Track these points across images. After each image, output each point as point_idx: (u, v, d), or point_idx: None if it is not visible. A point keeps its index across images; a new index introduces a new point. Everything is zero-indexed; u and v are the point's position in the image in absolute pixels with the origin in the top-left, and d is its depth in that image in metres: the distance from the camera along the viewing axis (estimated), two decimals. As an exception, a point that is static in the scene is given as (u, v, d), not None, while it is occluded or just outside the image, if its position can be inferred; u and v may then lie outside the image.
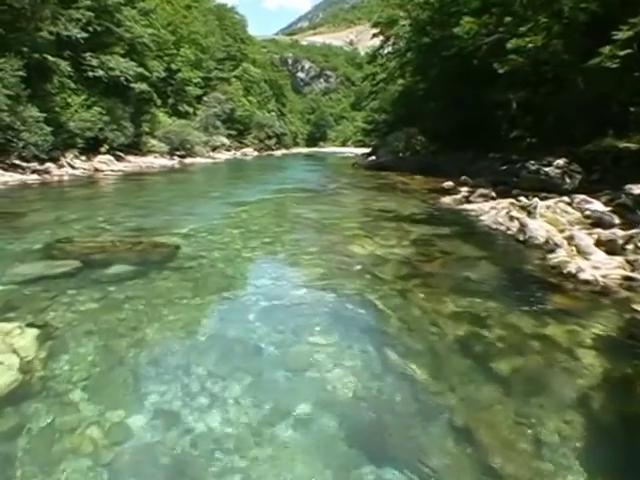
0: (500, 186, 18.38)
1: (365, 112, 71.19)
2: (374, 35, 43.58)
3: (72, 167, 28.22)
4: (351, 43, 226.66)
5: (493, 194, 14.79)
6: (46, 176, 24.33)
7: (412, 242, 9.29)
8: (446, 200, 14.58)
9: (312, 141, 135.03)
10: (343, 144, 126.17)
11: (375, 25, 42.98)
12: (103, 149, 32.30)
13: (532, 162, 16.80)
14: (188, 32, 55.59)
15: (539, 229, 9.15)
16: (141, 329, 5.22)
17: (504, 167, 24.45)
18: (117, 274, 6.90)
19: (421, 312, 5.87)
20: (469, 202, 14.32)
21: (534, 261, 8.19)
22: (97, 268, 7.10)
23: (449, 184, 20.33)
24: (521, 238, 9.39)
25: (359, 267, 7.64)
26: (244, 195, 17.90)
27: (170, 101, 51.48)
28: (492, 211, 11.89)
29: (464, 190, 18.12)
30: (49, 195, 17.81)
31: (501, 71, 21.43)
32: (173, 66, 50.35)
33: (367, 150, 56.91)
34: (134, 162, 35.50)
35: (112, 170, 29.88)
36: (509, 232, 10.15)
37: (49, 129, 25.45)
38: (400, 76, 41.22)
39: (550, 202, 10.76)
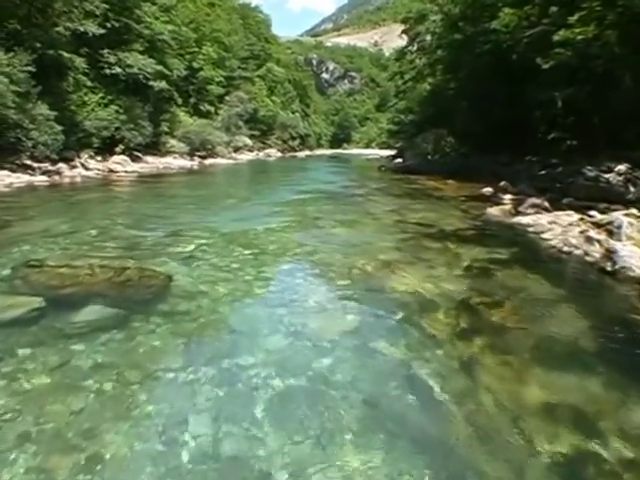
0: (547, 194, 16.59)
1: (390, 113, 69.55)
2: (403, 31, 41.81)
3: (85, 168, 26.90)
4: (376, 44, 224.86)
5: (546, 204, 12.91)
6: (56, 177, 22.95)
7: (465, 272, 7.49)
8: (493, 211, 12.67)
9: (336, 142, 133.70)
10: (367, 146, 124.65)
11: (404, 21, 41.27)
12: (118, 149, 30.98)
13: (589, 167, 14.78)
14: (211, 30, 54.36)
15: (633, 256, 7.29)
16: (100, 435, 3.45)
17: (543, 171, 22.76)
18: (87, 323, 5.18)
19: (496, 406, 3.95)
20: (520, 214, 12.46)
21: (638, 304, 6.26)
22: (63, 311, 5.38)
23: (488, 190, 18.58)
24: (608, 268, 7.44)
25: (401, 315, 5.75)
26: (263, 202, 16.27)
27: (191, 100, 50.24)
28: (556, 227, 10.01)
29: (507, 198, 16.32)
30: (50, 199, 16.28)
31: (545, 66, 19.47)
32: (195, 64, 49.15)
33: (392, 152, 55.39)
34: (151, 163, 34.16)
35: (126, 171, 28.49)
36: (588, 258, 8.17)
37: (60, 128, 24.00)
38: (430, 74, 39.34)
39: (632, 219, 8.83)
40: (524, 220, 11.32)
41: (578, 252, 8.34)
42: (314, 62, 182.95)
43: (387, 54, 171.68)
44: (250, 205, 15.38)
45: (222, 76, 55.29)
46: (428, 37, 37.74)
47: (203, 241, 9.21)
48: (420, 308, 5.92)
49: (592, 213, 10.56)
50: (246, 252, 8.44)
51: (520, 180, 20.62)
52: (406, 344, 4.99)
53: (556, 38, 18.40)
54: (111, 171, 27.97)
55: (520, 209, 12.88)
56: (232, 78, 59.59)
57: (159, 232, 10.11)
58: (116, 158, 29.82)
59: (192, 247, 8.66)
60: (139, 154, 34.26)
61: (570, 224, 9.95)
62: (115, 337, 4.97)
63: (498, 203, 15.22)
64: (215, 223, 11.41)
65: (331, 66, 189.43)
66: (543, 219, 10.98)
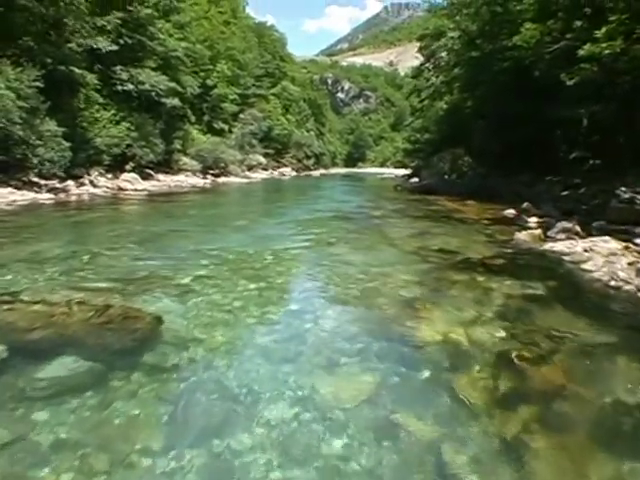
0: (573, 216, 15.61)
1: (406, 132, 69.12)
2: (419, 49, 41.20)
3: (94, 185, 26.38)
4: (391, 64, 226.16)
5: (577, 228, 11.93)
6: (62, 195, 22.36)
7: (499, 313, 6.41)
8: (522, 237, 11.64)
9: (351, 161, 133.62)
10: (382, 165, 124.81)
11: (421, 38, 40.68)
12: (128, 167, 30.45)
13: (623, 189, 13.79)
14: (225, 48, 54.19)
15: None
16: None
17: (565, 192, 21.87)
18: (55, 381, 4.20)
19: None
20: (551, 239, 11.50)
21: None
22: (28, 363, 4.44)
23: (511, 212, 17.68)
24: (673, 308, 6.40)
25: (428, 374, 4.67)
26: (274, 224, 15.43)
27: (205, 118, 49.93)
28: (596, 257, 9.00)
29: (533, 221, 15.39)
30: (51, 219, 15.57)
31: (570, 83, 18.62)
32: (209, 82, 48.90)
33: (407, 171, 54.84)
34: (163, 181, 33.61)
35: (136, 189, 27.88)
36: (644, 295, 7.12)
37: (67, 144, 23.45)
38: (447, 92, 38.61)
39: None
40: (557, 247, 10.32)
41: (629, 287, 7.21)
42: (329, 81, 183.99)
43: (402, 74, 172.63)
44: (260, 227, 14.50)
45: (236, 94, 55.01)
46: (445, 54, 37.10)
47: (204, 271, 8.29)
48: (450, 364, 4.88)
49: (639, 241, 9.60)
50: (251, 286, 7.49)
51: (542, 201, 19.74)
52: (435, 416, 3.94)
53: (581, 53, 17.58)
54: (120, 189, 27.40)
55: (550, 234, 11.92)
56: (246, 96, 59.32)
57: (157, 259, 9.22)
58: (126, 176, 29.29)
59: (191, 278, 7.76)
60: (151, 172, 33.82)
61: (612, 253, 8.97)
62: (87, 402, 4.00)
63: (524, 227, 14.28)
64: (221, 248, 10.52)
65: (346, 85, 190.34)
66: (578, 246, 9.99)
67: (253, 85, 62.50)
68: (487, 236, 12.84)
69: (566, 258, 9.50)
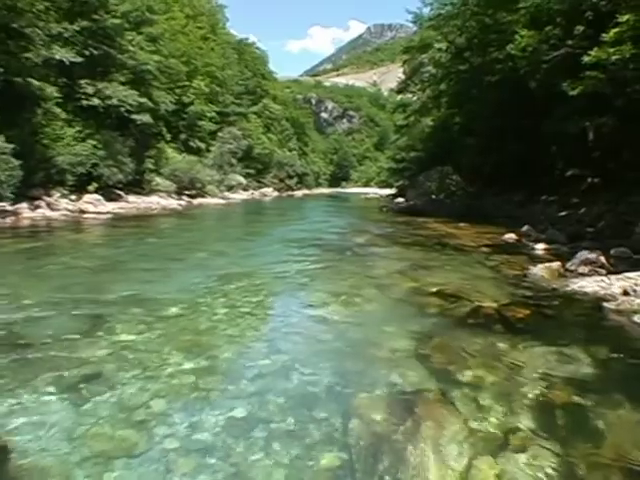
0: (583, 241, 13.64)
1: (390, 151, 67.86)
2: (404, 62, 39.59)
3: (51, 208, 23.94)
4: (374, 84, 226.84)
5: (602, 260, 9.84)
6: (9, 220, 19.89)
7: (541, 420, 4.05)
8: (539, 272, 9.37)
9: (335, 181, 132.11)
10: (366, 185, 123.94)
11: (406, 50, 39.04)
12: (91, 188, 28.01)
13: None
14: (203, 63, 52.15)
15: None
16: None
17: (563, 213, 20.15)
18: None
19: None
20: (572, 273, 9.41)
21: None
22: None
23: (511, 237, 15.77)
24: None
25: None
26: (238, 259, 12.67)
27: (182, 136, 47.67)
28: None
29: (540, 248, 13.42)
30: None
31: (573, 93, 16.76)
32: (185, 99, 46.70)
33: (392, 191, 53.31)
34: (132, 202, 31.24)
35: (99, 212, 25.42)
36: None
37: (17, 163, 20.99)
38: (435, 107, 36.98)
39: None
40: (587, 286, 8.12)
41: None
42: (313, 101, 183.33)
43: (385, 94, 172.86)
44: (223, 262, 11.95)
45: (215, 111, 52.87)
46: (431, 68, 35.49)
47: (126, 338, 5.90)
48: None
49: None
50: (185, 366, 5.14)
51: (540, 222, 17.95)
52: None
53: (586, 59, 15.74)
54: (82, 212, 25.03)
55: (570, 266, 9.82)
56: (226, 114, 57.25)
57: (68, 316, 6.75)
58: (88, 197, 26.87)
59: (103, 352, 5.40)
60: (121, 192, 31.45)
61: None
62: None
63: (531, 256, 12.23)
64: (164, 294, 8.13)
65: (330, 105, 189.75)
66: (615, 285, 7.87)
67: (233, 103, 60.36)
68: (493, 270, 10.52)
69: (608, 306, 7.21)
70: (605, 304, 7.29)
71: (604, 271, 9.39)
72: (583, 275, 9.28)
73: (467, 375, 4.97)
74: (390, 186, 63.07)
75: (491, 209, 25.20)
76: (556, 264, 9.77)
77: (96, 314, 6.93)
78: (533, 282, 9.06)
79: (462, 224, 20.78)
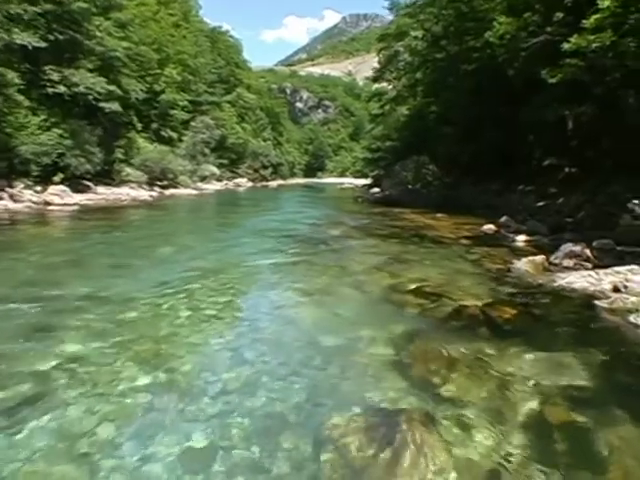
0: (566, 232, 13.30)
1: (366, 140, 67.33)
2: (380, 50, 38.96)
3: (14, 200, 22.94)
4: (350, 74, 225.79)
5: (587, 253, 9.43)
6: (-33, 213, 18.99)
7: (534, 428, 3.73)
8: (523, 266, 8.85)
9: (310, 171, 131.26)
10: (341, 175, 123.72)
11: (381, 39, 38.40)
12: (57, 178, 26.96)
13: (636, 201, 11.43)
14: (175, 51, 50.82)
15: None
16: None
17: (541, 203, 19.92)
18: None
19: None
20: (557, 268, 8.97)
21: None
22: None
23: (490, 228, 15.41)
24: None
25: None
26: (207, 252, 11.91)
27: (153, 126, 46.34)
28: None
29: (521, 240, 13.05)
30: None
31: (552, 81, 16.36)
32: (157, 87, 45.42)
33: (367, 181, 52.88)
34: (101, 194, 30.18)
35: (66, 204, 24.45)
36: None
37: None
38: (410, 96, 36.49)
39: None
40: (576, 282, 7.66)
41: None
42: (288, 91, 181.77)
43: (361, 84, 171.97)
44: (188, 259, 10.98)
45: (187, 100, 51.57)
46: (407, 56, 34.92)
47: (77, 347, 5.28)
48: None
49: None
50: (140, 381, 4.54)
51: (518, 213, 17.64)
52: None
53: (566, 46, 15.30)
54: (47, 203, 24.06)
55: (554, 260, 9.40)
56: (199, 103, 56.02)
57: (11, 321, 5.97)
58: (54, 189, 25.83)
59: (47, 365, 4.76)
60: (89, 183, 30.38)
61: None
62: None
63: (513, 248, 11.82)
64: (121, 298, 7.35)
65: (305, 95, 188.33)
66: (605, 281, 7.44)
67: (206, 92, 59.05)
68: (474, 264, 10.03)
69: (600, 304, 6.71)
70: (597, 302, 6.83)
71: (590, 264, 8.99)
72: (568, 269, 8.88)
73: (451, 390, 4.45)
74: (365, 176, 62.80)
75: (468, 199, 24.95)
76: (540, 257, 9.34)
77: (45, 318, 6.28)
78: (518, 277, 8.63)
79: (439, 215, 20.43)
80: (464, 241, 13.35)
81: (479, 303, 7.06)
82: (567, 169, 21.99)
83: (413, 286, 8.13)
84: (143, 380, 4.59)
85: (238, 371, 4.87)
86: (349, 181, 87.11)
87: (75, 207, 24.02)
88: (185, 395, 4.39)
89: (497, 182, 25.00)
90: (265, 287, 8.77)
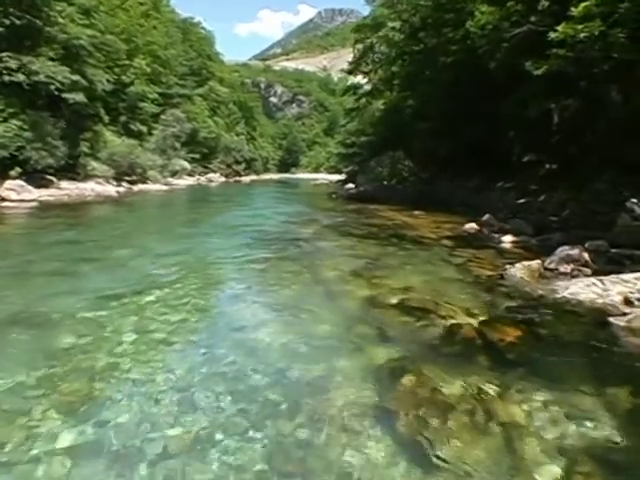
0: (551, 233, 12.51)
1: (340, 136, 66.54)
2: (356, 42, 38.00)
3: (-37, 196, 21.53)
4: (324, 69, 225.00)
5: (585, 256, 8.56)
6: None
7: None
8: (517, 273, 7.82)
9: (284, 167, 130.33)
10: (315, 170, 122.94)
11: (357, 29, 37.44)
12: (14, 172, 25.45)
13: (634, 200, 10.60)
14: (145, 42, 49.25)
15: None
16: None
17: (522, 200, 19.35)
18: None
19: None
20: (552, 273, 8.09)
21: None
22: None
23: (472, 227, 14.62)
24: None
25: None
26: (167, 256, 10.42)
27: (122, 119, 44.81)
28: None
29: (507, 241, 12.26)
30: None
31: (538, 72, 15.59)
32: (125, 78, 43.91)
33: (341, 177, 52.12)
34: (64, 189, 28.70)
35: (22, 200, 23.04)
36: None
37: None
38: (387, 89, 35.66)
39: None
40: (580, 293, 6.67)
41: None
42: (262, 85, 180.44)
43: (336, 79, 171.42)
44: (144, 265, 9.62)
45: (157, 93, 50.11)
46: (384, 47, 34.00)
47: None
48: None
49: None
50: (61, 441, 3.47)
51: (499, 210, 16.97)
52: None
53: (553, 36, 14.49)
54: (2, 199, 22.62)
55: (549, 264, 8.49)
56: (169, 96, 54.51)
57: None
58: (10, 183, 24.37)
59: None
60: (53, 178, 28.91)
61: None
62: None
63: (502, 252, 10.97)
64: (56, 316, 6.17)
65: (279, 90, 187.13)
66: (611, 292, 6.55)
67: (176, 84, 57.49)
68: (461, 269, 9.02)
69: (616, 322, 5.68)
70: (611, 319, 5.84)
71: (589, 270, 8.13)
72: (565, 275, 8.01)
73: (447, 451, 3.42)
74: (339, 172, 62.09)
75: (445, 195, 24.38)
76: (535, 263, 8.40)
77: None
78: (513, 286, 7.60)
79: (417, 212, 19.63)
80: (446, 242, 12.42)
81: (474, 321, 6.03)
82: (548, 165, 21.43)
83: (395, 299, 7.05)
84: (65, 438, 3.53)
85: (187, 424, 3.81)
86: (323, 177, 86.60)
87: (33, 203, 22.62)
88: (115, 461, 3.33)
89: (475, 178, 24.40)
90: (226, 301, 7.59)
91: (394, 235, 13.92)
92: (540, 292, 7.16)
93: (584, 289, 6.80)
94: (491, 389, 4.31)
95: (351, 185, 41.25)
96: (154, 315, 6.36)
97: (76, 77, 30.66)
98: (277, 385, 4.53)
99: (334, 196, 34.43)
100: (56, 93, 29.41)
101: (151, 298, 7.12)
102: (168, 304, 6.87)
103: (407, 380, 4.51)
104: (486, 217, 15.40)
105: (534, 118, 18.92)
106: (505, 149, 23.64)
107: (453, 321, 6.06)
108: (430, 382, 4.47)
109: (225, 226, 16.59)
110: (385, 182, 32.27)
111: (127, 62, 44.65)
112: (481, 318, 6.17)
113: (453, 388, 4.33)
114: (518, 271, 8.02)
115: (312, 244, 12.75)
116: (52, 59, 29.52)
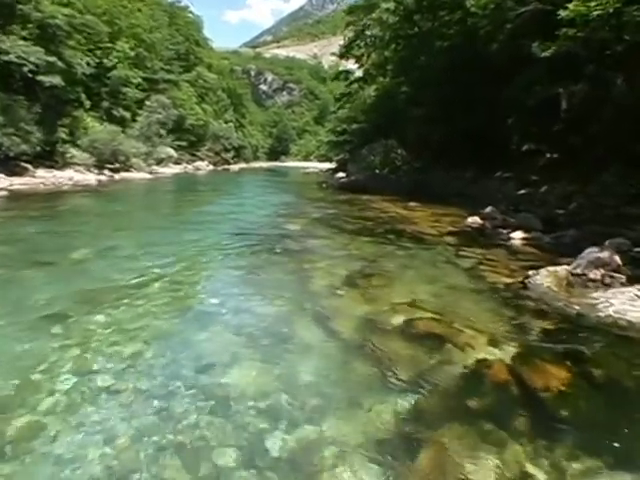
0: (565, 229, 11.36)
1: (331, 123, 65.21)
2: (347, 24, 36.64)
3: None
4: (315, 57, 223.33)
5: (617, 260, 7.32)
6: None
7: None
8: (544, 282, 6.30)
9: (274, 155, 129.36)
10: (305, 158, 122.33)
11: (350, 11, 36.14)
12: (-17, 160, 24.06)
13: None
14: (128, 24, 47.53)
15: None
16: None
17: (522, 191, 18.60)
18: None
19: None
20: (581, 279, 6.84)
21: None
22: None
23: (475, 221, 13.43)
24: None
25: None
26: (132, 259, 8.93)
27: (104, 104, 43.18)
28: None
29: (517, 237, 11.12)
30: None
31: (546, 54, 14.48)
32: (107, 62, 42.27)
33: (332, 165, 51.00)
34: (39, 177, 27.24)
35: (-8, 188, 21.63)
36: None
37: None
38: (379, 75, 34.48)
39: None
40: (628, 312, 5.38)
41: None
42: (252, 73, 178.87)
43: (326, 67, 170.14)
44: (103, 270, 8.16)
45: (141, 77, 48.45)
46: (377, 30, 32.65)
47: None
48: None
49: None
50: None
51: (499, 202, 15.95)
52: None
53: (563, 14, 13.28)
54: (-29, 188, 21.22)
55: (576, 270, 7.22)
56: (154, 81, 52.79)
57: None
58: (-21, 171, 22.96)
59: None
60: (28, 166, 27.47)
61: None
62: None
63: (514, 251, 9.77)
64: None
65: (269, 77, 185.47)
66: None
67: (162, 69, 55.60)
68: (473, 275, 7.69)
69: None
70: None
71: (622, 277, 6.90)
72: (595, 282, 6.77)
73: None
74: (330, 160, 60.97)
75: (440, 186, 23.45)
76: (562, 269, 7.08)
77: None
78: (541, 300, 6.22)
79: (412, 203, 18.51)
80: (449, 239, 11.15)
81: (503, 355, 4.63)
82: (548, 155, 20.38)
83: (398, 319, 5.62)
84: None
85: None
86: (313, 165, 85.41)
87: (2, 192, 21.10)
88: None
89: (471, 168, 23.39)
90: (194, 324, 5.87)
91: (391, 231, 12.55)
92: (576, 308, 5.79)
93: (630, 307, 5.52)
94: (539, 471, 3.02)
95: (342, 174, 40.40)
96: (102, 347, 4.95)
97: (52, 59, 29.22)
98: (250, 465, 3.19)
99: (324, 185, 33.25)
100: (30, 75, 27.84)
101: (102, 319, 5.70)
102: (122, 328, 5.44)
103: (424, 456, 3.17)
104: (488, 210, 14.24)
105: (535, 105, 17.90)
106: (503, 137, 22.54)
107: (476, 355, 4.67)
108: (454, 461, 3.15)
109: (206, 221, 14.98)
110: (377, 171, 31.29)
111: (109, 45, 43.10)
112: (512, 350, 4.77)
113: (486, 469, 3.05)
114: (544, 279, 6.69)
115: (300, 242, 11.27)
116: (25, 38, 27.96)
